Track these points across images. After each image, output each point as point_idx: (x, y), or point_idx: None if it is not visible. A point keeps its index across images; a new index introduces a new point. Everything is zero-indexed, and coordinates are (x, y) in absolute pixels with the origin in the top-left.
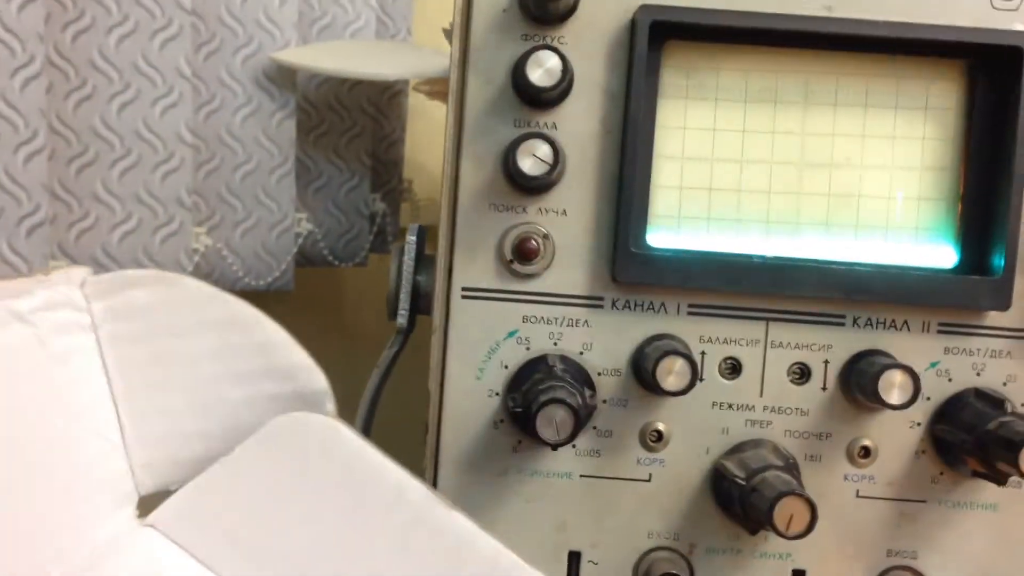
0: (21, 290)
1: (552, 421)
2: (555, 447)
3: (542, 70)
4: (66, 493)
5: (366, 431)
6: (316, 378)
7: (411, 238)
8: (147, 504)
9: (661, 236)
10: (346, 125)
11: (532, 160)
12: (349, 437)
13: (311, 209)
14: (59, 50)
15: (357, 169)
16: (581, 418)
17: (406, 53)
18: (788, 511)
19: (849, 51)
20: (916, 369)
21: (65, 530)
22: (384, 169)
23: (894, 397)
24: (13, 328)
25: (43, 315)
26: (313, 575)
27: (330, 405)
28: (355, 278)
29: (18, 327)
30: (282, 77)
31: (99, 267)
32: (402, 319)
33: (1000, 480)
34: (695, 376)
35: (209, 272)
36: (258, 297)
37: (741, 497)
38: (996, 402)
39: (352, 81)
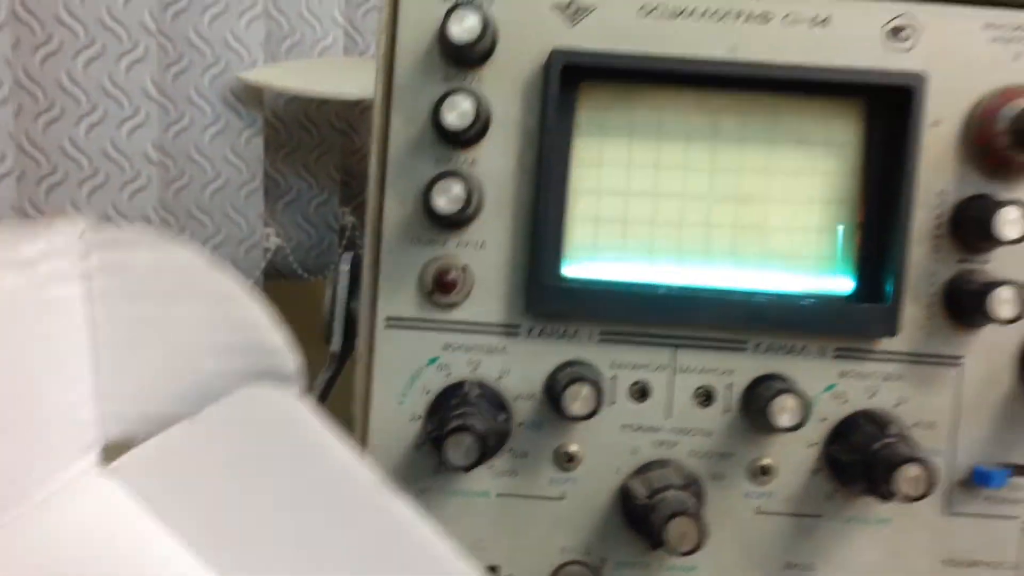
0: (24, 235)
1: (459, 446)
2: (463, 471)
3: (455, 113)
4: (31, 436)
5: None
6: (288, 359)
7: (343, 267)
8: (112, 456)
9: (577, 267)
10: (315, 141)
11: (446, 199)
12: (307, 416)
13: (280, 223)
14: (28, 73)
15: (326, 184)
16: (489, 443)
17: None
18: (680, 530)
19: (754, 90)
20: (813, 392)
21: (25, 471)
22: (354, 183)
23: (784, 420)
24: (10, 274)
25: (41, 261)
26: (257, 539)
27: (298, 386)
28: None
29: (14, 274)
30: (249, 96)
31: None
32: (336, 345)
33: (886, 498)
34: (600, 402)
35: None
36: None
37: (643, 515)
38: (883, 424)
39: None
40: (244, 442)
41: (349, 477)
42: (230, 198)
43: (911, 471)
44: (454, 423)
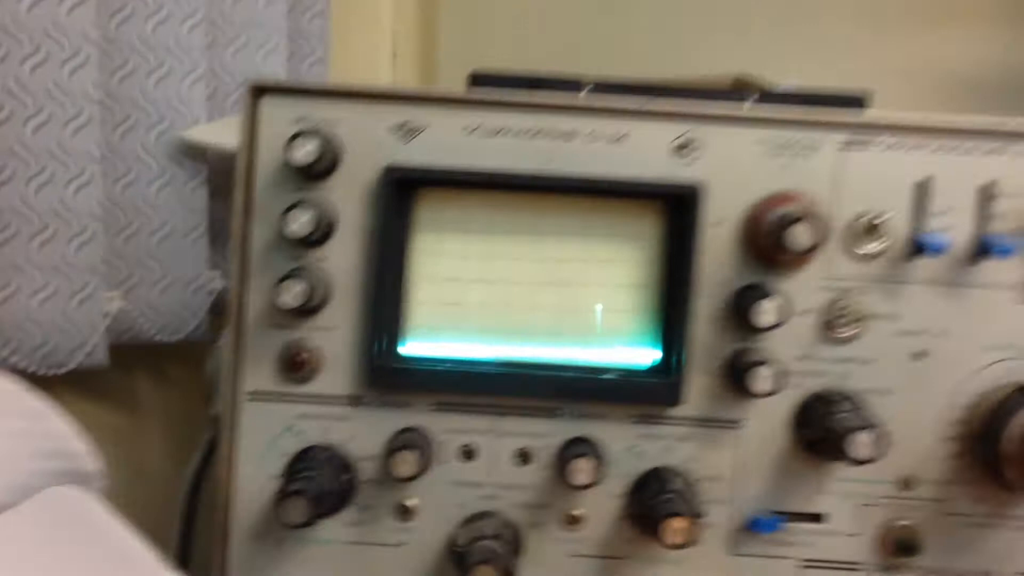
0: None
1: (294, 508)
2: (298, 528)
3: (296, 224)
4: None
5: (193, 494)
6: (88, 462)
7: (221, 343)
8: None
9: (420, 344)
10: None
11: (291, 295)
12: (98, 510)
13: (224, 267)
14: None
15: None
16: (326, 502)
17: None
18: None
19: (570, 193)
20: (617, 451)
21: None
22: None
23: (579, 479)
24: None
25: None
26: None
27: (98, 483)
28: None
29: None
30: (194, 150)
31: (23, 332)
32: (216, 409)
33: (663, 544)
34: (426, 465)
35: (122, 332)
36: (178, 347)
37: (460, 561)
38: (665, 481)
39: None
40: (43, 533)
41: (133, 558)
42: (176, 244)
43: (673, 524)
44: (291, 487)
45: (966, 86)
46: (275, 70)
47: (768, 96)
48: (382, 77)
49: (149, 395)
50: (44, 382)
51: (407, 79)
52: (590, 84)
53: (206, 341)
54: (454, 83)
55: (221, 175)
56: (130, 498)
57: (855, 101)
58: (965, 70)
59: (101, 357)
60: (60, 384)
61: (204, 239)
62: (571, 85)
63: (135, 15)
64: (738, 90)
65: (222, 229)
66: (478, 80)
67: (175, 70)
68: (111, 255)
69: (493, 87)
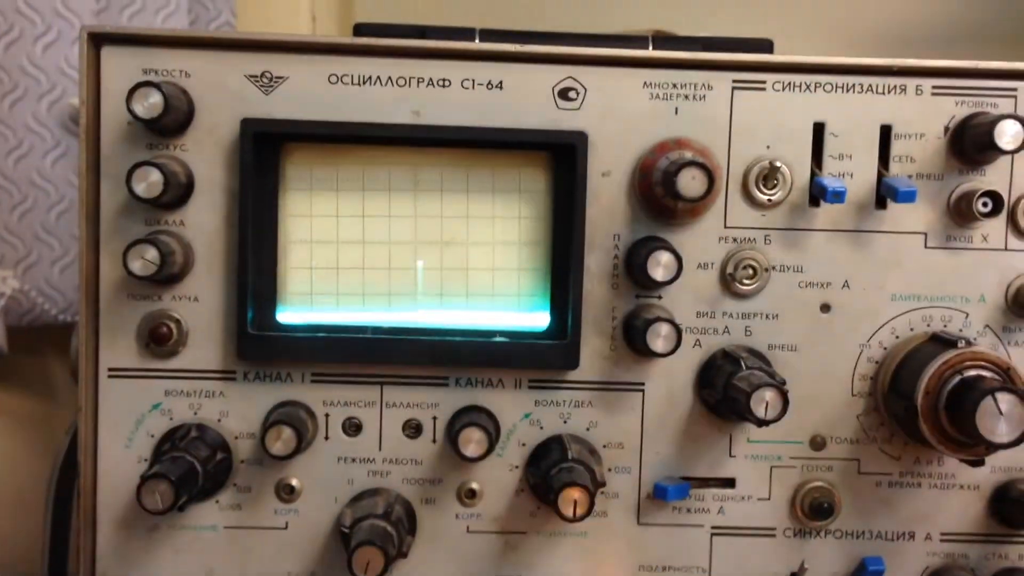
0: None
1: (153, 493)
2: (161, 514)
3: (144, 184)
4: None
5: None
6: None
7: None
8: None
9: (294, 313)
10: None
11: (141, 263)
12: None
13: None
14: None
15: None
16: (193, 485)
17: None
18: (364, 558)
19: (448, 146)
20: (512, 420)
21: None
22: None
23: (470, 451)
24: None
25: None
26: None
27: None
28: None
29: None
30: None
31: None
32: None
33: (561, 516)
34: (302, 441)
35: (23, 315)
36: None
37: (345, 543)
38: (564, 449)
39: None
40: None
41: None
42: (76, 220)
43: (570, 494)
44: (150, 470)
45: (885, 39)
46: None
47: (668, 42)
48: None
49: (60, 378)
50: None
51: (327, 3)
52: (477, 30)
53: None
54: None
55: None
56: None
57: (759, 47)
58: (883, 24)
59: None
60: None
61: None
62: (460, 33)
63: None
64: (638, 38)
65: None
66: (362, 32)
67: (64, 34)
68: (6, 233)
69: (378, 36)
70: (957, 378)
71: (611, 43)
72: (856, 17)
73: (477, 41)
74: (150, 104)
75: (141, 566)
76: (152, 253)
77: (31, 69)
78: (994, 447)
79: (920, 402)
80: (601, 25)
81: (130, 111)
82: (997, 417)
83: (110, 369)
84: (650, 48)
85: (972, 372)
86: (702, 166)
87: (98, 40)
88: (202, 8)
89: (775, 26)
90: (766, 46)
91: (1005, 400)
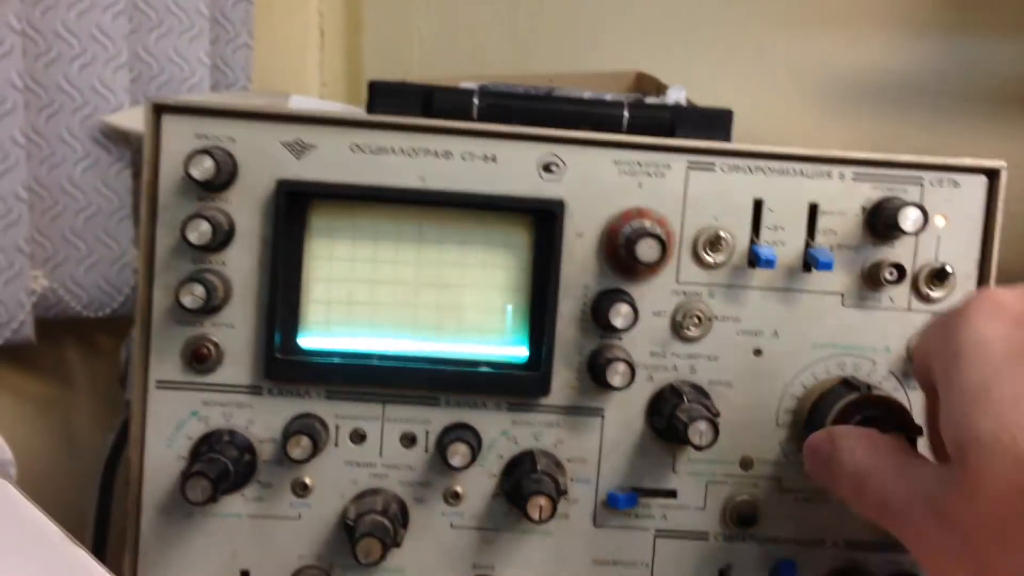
0: None
1: (195, 488)
2: (201, 505)
3: (196, 233)
4: None
5: (109, 471)
6: (4, 451)
7: (133, 334)
8: None
9: (314, 339)
10: None
11: (191, 298)
12: (12, 494)
13: None
14: None
15: None
16: (227, 482)
17: (239, 100)
18: (366, 547)
19: (448, 207)
20: (492, 435)
21: None
22: None
23: (456, 462)
24: None
25: None
26: None
27: (12, 470)
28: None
29: None
30: (116, 134)
31: None
32: (131, 394)
33: (529, 519)
34: (317, 449)
35: (49, 308)
36: (106, 320)
37: (350, 533)
38: (534, 462)
39: None
40: None
41: (46, 539)
42: (102, 224)
43: (536, 500)
44: (193, 468)
45: (849, 87)
46: (198, 55)
47: (641, 109)
48: (310, 57)
49: (78, 366)
50: None
51: (335, 58)
52: (477, 90)
53: (132, 315)
54: (378, 63)
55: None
56: (61, 465)
57: (719, 117)
58: (847, 72)
59: (28, 333)
60: None
61: (128, 219)
62: (461, 94)
63: (59, 3)
64: (616, 103)
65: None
66: (376, 89)
67: (98, 56)
68: (37, 235)
69: (389, 96)
70: (858, 416)
71: (592, 107)
72: (820, 65)
73: (476, 100)
74: (204, 168)
75: (177, 546)
76: (200, 290)
77: (66, 87)
78: None
79: None
80: (587, 61)
81: (187, 174)
82: None
83: (157, 381)
84: (625, 113)
85: (870, 412)
86: (657, 237)
87: (159, 109)
88: (222, 31)
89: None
90: (726, 116)
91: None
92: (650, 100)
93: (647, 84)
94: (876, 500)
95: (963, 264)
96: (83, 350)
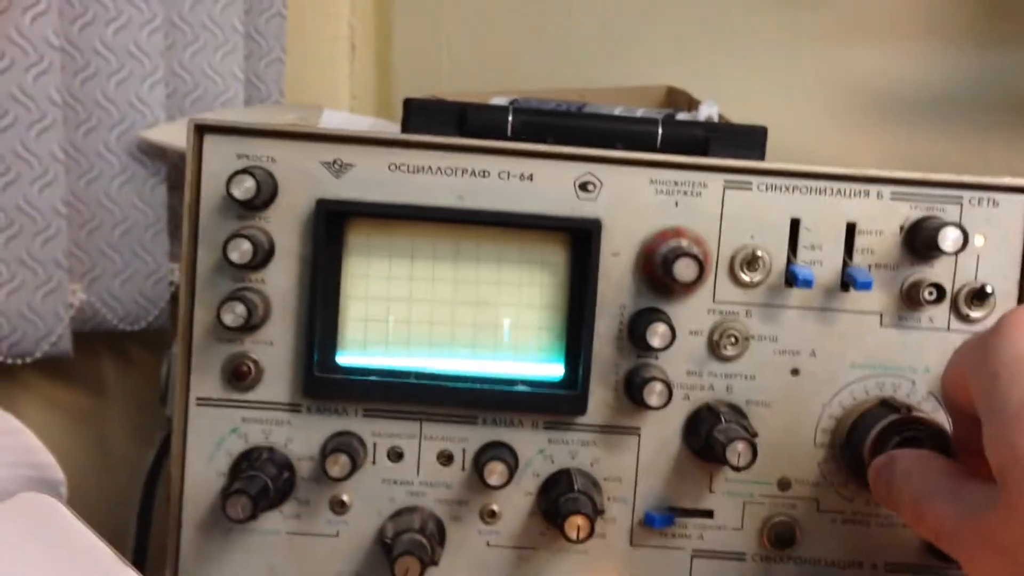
0: None
1: (235, 505)
2: (241, 523)
3: (237, 252)
4: None
5: (149, 487)
6: (56, 471)
7: (174, 350)
8: None
9: (351, 357)
10: None
11: (232, 316)
12: (64, 513)
13: None
14: None
15: None
16: (266, 499)
17: (273, 114)
18: (404, 566)
19: (485, 225)
20: (528, 454)
21: None
22: None
23: (493, 481)
24: None
25: None
26: None
27: (63, 489)
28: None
29: None
30: (153, 149)
31: None
32: (170, 410)
33: (567, 539)
34: (355, 467)
35: (86, 321)
36: (142, 333)
37: (387, 551)
38: (571, 481)
39: None
40: (15, 533)
41: (95, 558)
42: (138, 238)
43: (575, 520)
44: (234, 486)
45: (883, 100)
46: (232, 70)
47: (674, 126)
48: (341, 70)
49: (114, 379)
50: (12, 370)
51: (366, 71)
52: (510, 107)
53: (168, 328)
54: (408, 76)
55: (180, 172)
56: (97, 477)
57: (753, 134)
58: (881, 84)
59: (66, 346)
60: (28, 370)
61: (164, 233)
62: (495, 111)
63: (96, 20)
64: (649, 120)
65: (182, 224)
66: (410, 107)
67: (135, 72)
68: (75, 248)
69: (424, 114)
70: (897, 438)
71: (626, 124)
72: (853, 77)
73: (511, 117)
74: (245, 188)
75: (216, 562)
76: (240, 308)
77: (103, 102)
78: None
79: (867, 455)
80: (617, 74)
81: (229, 194)
82: None
83: (198, 398)
84: (659, 131)
85: (909, 433)
86: (695, 256)
87: (201, 129)
88: (255, 46)
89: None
90: (760, 133)
91: None
92: (682, 116)
93: (678, 99)
94: (933, 526)
95: (1003, 284)
96: (119, 363)
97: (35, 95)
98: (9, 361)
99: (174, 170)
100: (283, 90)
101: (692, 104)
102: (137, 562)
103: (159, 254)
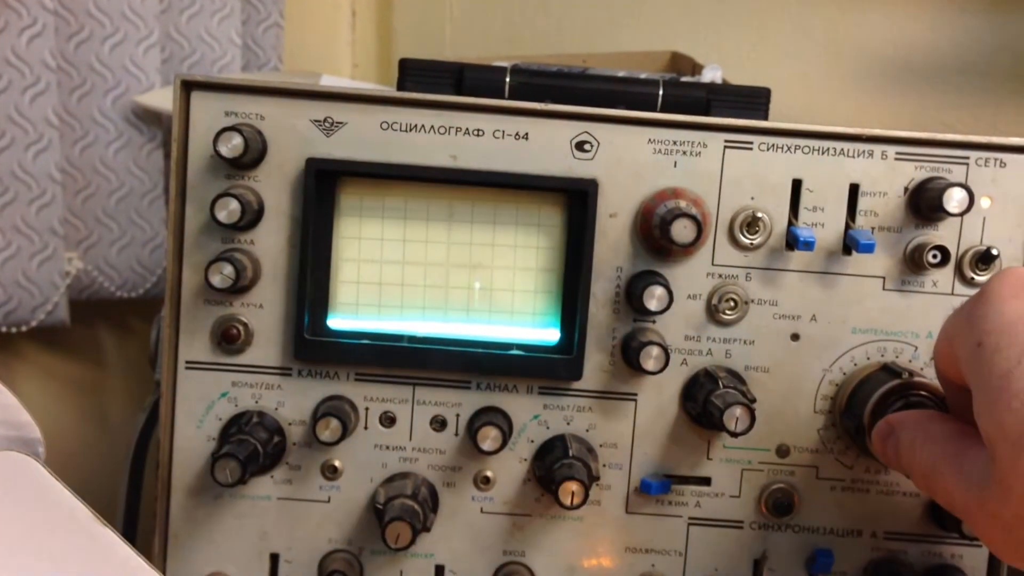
0: None
1: (223, 469)
2: (230, 487)
3: (225, 212)
4: None
5: (139, 452)
6: (33, 430)
7: (163, 313)
8: None
9: (343, 320)
10: None
11: (220, 277)
12: (41, 473)
13: None
14: None
15: None
16: (255, 463)
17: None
18: (395, 531)
19: (479, 186)
20: (523, 420)
21: None
22: None
23: (486, 446)
24: None
25: None
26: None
27: (41, 449)
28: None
29: None
30: (148, 114)
31: None
32: (159, 374)
33: (560, 503)
34: (346, 432)
35: (83, 289)
36: (139, 301)
37: (379, 517)
38: (565, 447)
39: None
40: None
41: (73, 517)
42: (134, 205)
43: (568, 486)
44: (223, 450)
45: (891, 65)
46: (229, 35)
47: (676, 87)
48: (342, 37)
49: (111, 348)
50: (8, 339)
51: (367, 38)
52: (508, 68)
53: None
54: (410, 43)
55: None
56: (93, 446)
57: (757, 95)
58: (889, 49)
59: (62, 315)
60: (24, 338)
61: (161, 199)
62: (493, 72)
63: None
64: (650, 82)
65: None
66: (406, 67)
67: (129, 36)
68: (70, 216)
69: (419, 74)
70: (898, 403)
71: (626, 85)
72: (861, 42)
73: (508, 79)
74: (233, 146)
75: (206, 527)
76: (229, 269)
77: (98, 66)
78: None
79: (867, 421)
80: (621, 40)
81: (216, 151)
82: None
83: (187, 362)
84: (660, 92)
85: (911, 399)
86: (693, 217)
87: (189, 86)
88: (253, 10)
89: (784, 48)
90: (763, 95)
91: None
92: (685, 79)
93: (682, 64)
94: (944, 498)
95: (1009, 247)
96: (116, 331)
97: (28, 59)
98: (4, 330)
99: (170, 135)
100: (282, 56)
101: (696, 69)
102: (128, 528)
103: (156, 221)
